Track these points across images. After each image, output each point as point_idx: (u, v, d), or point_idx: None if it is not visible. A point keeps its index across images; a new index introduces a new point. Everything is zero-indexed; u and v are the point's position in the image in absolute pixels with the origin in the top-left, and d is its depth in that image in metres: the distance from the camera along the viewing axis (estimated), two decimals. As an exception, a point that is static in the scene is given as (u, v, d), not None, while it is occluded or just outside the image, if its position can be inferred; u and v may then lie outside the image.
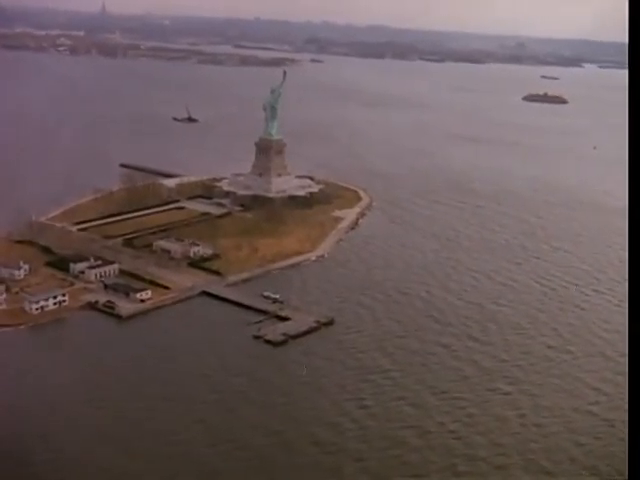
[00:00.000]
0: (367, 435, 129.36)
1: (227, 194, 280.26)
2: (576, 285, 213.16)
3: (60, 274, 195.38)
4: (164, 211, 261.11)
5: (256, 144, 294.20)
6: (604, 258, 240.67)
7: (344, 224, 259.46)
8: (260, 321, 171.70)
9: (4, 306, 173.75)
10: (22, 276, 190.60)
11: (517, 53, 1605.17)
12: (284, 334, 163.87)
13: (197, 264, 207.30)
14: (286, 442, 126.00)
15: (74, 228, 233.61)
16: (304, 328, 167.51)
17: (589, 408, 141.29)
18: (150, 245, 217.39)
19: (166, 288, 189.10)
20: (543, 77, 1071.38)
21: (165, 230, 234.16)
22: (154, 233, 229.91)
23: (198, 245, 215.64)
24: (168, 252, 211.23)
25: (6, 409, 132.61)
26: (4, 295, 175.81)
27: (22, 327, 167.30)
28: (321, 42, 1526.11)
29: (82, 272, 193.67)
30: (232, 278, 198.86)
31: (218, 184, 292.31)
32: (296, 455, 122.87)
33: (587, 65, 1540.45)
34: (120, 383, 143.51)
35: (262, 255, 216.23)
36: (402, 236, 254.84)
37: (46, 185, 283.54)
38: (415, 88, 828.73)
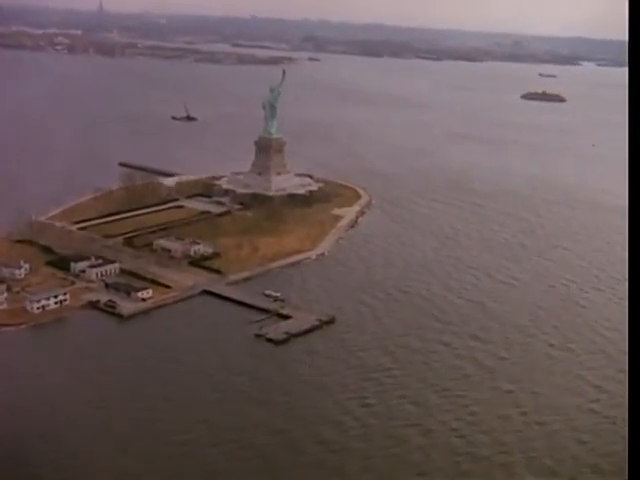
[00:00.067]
0: (370, 434, 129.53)
1: (226, 192, 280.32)
2: (576, 283, 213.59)
3: (61, 273, 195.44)
4: (164, 210, 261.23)
5: (256, 143, 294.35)
6: (603, 256, 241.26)
7: (344, 222, 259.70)
8: (262, 320, 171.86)
9: (5, 305, 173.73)
10: (23, 275, 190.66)
11: (514, 51, 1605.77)
12: (286, 332, 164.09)
13: (198, 263, 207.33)
14: (289, 441, 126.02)
15: (74, 227, 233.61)
16: (306, 326, 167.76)
17: (591, 406, 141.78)
18: (150, 244, 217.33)
19: (167, 287, 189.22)
20: (541, 75, 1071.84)
21: (165, 229, 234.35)
22: (154, 232, 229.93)
23: (199, 244, 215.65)
24: (168, 251, 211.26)
25: (9, 409, 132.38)
26: (5, 294, 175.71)
27: (23, 326, 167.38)
28: (318, 40, 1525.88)
29: (83, 271, 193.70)
30: (233, 277, 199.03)
31: (217, 183, 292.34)
32: (299, 454, 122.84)
33: (584, 63, 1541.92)
34: (122, 383, 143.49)
35: (262, 254, 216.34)
36: (402, 234, 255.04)
37: (45, 184, 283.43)
38: (414, 87, 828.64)
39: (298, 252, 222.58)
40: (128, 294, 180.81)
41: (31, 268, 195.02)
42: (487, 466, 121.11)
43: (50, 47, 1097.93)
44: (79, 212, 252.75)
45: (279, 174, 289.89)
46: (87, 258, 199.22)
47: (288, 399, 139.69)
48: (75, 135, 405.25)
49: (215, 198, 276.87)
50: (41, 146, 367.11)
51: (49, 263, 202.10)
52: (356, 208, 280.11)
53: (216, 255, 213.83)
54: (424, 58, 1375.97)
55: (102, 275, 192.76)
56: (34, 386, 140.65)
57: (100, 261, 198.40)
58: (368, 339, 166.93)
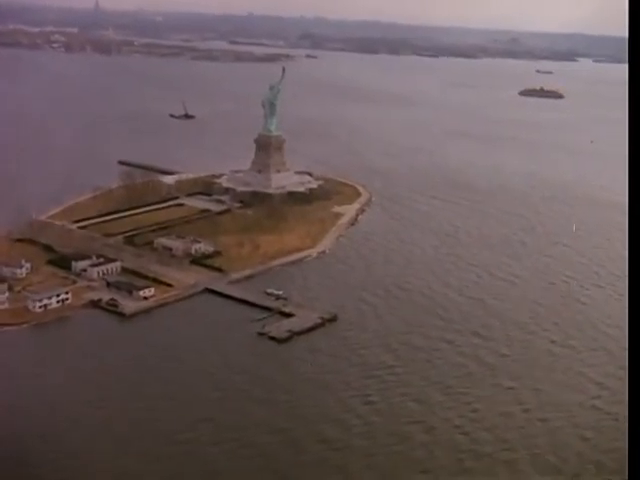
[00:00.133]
0: (373, 431, 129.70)
1: (226, 191, 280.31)
2: (576, 280, 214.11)
3: (62, 272, 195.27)
4: (164, 208, 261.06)
5: (255, 140, 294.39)
6: (603, 252, 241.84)
7: (344, 220, 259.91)
8: (264, 318, 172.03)
9: (7, 305, 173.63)
10: (24, 275, 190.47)
11: (511, 48, 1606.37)
12: (289, 331, 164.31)
13: (199, 261, 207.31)
14: (292, 439, 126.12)
15: (74, 226, 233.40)
16: (308, 324, 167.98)
17: (593, 402, 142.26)
18: (151, 243, 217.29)
19: (169, 285, 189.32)
20: (538, 71, 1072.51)
21: (165, 227, 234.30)
22: (154, 230, 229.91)
23: (200, 242, 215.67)
24: (169, 249, 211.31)
25: (12, 409, 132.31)
26: (7, 294, 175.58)
27: (25, 326, 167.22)
28: (315, 38, 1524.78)
29: (84, 270, 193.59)
30: (234, 275, 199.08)
31: (217, 181, 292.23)
32: (302, 452, 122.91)
33: (581, 59, 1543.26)
34: (124, 382, 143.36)
35: (263, 252, 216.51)
36: (402, 232, 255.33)
37: (44, 184, 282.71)
38: (411, 84, 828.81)
39: (299, 250, 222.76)
40: (130, 293, 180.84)
41: (32, 267, 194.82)
42: (490, 463, 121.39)
43: (47, 45, 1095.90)
44: (79, 211, 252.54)
45: (279, 172, 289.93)
46: (88, 257, 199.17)
47: (292, 397, 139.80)
48: (73, 134, 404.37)
49: (215, 196, 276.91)
50: (39, 145, 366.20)
51: (50, 262, 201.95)
52: (356, 206, 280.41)
53: (217, 253, 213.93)
54: (421, 55, 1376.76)
55: (103, 274, 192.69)
56: (36, 386, 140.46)
57: (101, 260, 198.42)
58: (370, 337, 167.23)
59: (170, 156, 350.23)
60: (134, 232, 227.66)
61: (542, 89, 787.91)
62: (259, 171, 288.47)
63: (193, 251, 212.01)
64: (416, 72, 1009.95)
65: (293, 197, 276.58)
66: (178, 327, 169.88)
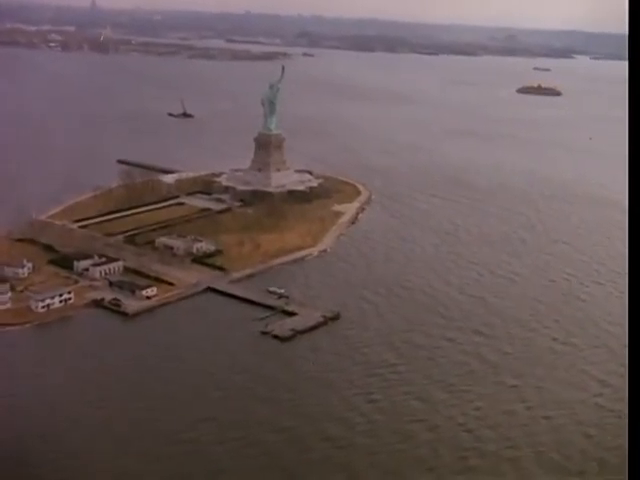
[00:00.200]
0: (376, 429, 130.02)
1: (226, 189, 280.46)
2: (577, 277, 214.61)
3: (64, 272, 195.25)
4: (164, 207, 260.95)
5: (255, 139, 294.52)
6: (603, 250, 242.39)
7: (344, 219, 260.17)
8: (267, 317, 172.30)
9: (9, 305, 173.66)
10: (26, 274, 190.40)
11: (508, 45, 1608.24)
12: (292, 329, 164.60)
13: (200, 260, 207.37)
14: (296, 438, 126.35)
15: (75, 226, 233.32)
16: (311, 323, 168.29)
17: (595, 400, 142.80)
18: (152, 242, 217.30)
19: (170, 285, 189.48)
20: (536, 69, 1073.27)
21: (166, 227, 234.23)
22: (155, 230, 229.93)
23: (201, 241, 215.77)
24: (171, 249, 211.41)
25: (17, 409, 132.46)
26: (9, 294, 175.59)
27: (28, 326, 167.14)
28: (312, 36, 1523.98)
29: (86, 270, 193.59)
30: (236, 274, 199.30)
31: (217, 179, 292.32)
32: (305, 451, 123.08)
33: (578, 57, 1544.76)
34: (129, 382, 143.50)
35: (265, 250, 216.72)
36: (402, 230, 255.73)
37: (44, 183, 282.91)
38: (409, 82, 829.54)
39: (300, 249, 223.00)
40: (132, 292, 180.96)
41: (34, 267, 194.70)
42: (495, 461, 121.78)
43: (44, 44, 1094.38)
44: (79, 210, 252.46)
45: (278, 170, 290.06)
46: (89, 256, 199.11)
47: (294, 396, 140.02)
48: (73, 134, 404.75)
49: (215, 195, 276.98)
50: (39, 145, 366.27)
51: (51, 262, 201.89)
52: (356, 204, 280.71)
53: (218, 252, 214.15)
54: (418, 53, 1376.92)
55: (106, 273, 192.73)
56: (40, 386, 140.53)
57: (103, 259, 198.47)
58: (372, 335, 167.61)
59: (169, 155, 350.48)
60: (135, 231, 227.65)
61: (540, 87, 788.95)
62: (259, 170, 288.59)
63: (194, 250, 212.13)
64: (414, 70, 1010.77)
65: (293, 196, 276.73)
66: (183, 326, 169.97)
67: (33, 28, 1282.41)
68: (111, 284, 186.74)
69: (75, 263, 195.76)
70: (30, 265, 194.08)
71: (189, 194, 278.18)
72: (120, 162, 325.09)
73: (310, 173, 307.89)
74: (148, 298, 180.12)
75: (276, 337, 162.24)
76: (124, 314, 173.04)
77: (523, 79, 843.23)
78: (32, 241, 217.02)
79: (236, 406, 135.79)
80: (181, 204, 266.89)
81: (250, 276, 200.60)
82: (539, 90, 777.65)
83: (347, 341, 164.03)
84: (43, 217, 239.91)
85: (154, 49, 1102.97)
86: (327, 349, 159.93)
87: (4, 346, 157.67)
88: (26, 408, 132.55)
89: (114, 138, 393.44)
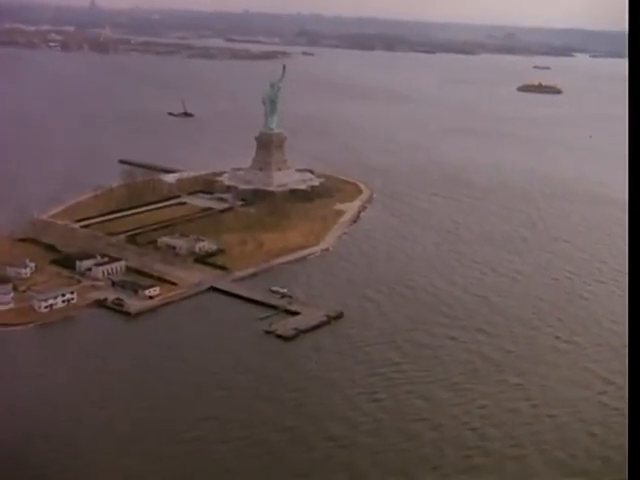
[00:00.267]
0: (380, 428, 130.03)
1: (228, 189, 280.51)
2: (579, 276, 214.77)
3: (66, 272, 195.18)
4: (166, 207, 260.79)
5: (256, 138, 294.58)
6: (604, 248, 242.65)
7: (346, 218, 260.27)
8: (269, 316, 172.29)
9: (12, 305, 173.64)
10: (28, 274, 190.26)
11: (507, 43, 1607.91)
12: (295, 329, 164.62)
13: (203, 260, 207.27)
14: (300, 437, 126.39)
15: (76, 225, 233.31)
16: (314, 322, 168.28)
17: (599, 398, 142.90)
18: (154, 241, 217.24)
19: (173, 284, 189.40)
20: (535, 67, 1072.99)
21: (168, 226, 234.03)
22: (157, 229, 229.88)
23: (203, 241, 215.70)
24: (173, 248, 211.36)
25: (22, 409, 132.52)
26: (12, 294, 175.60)
27: (31, 326, 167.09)
28: (311, 35, 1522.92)
29: (89, 269, 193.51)
30: (239, 273, 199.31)
31: (218, 179, 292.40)
32: (309, 450, 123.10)
33: (578, 55, 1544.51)
34: (131, 382, 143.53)
35: (267, 250, 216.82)
36: (403, 229, 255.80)
37: (45, 183, 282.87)
38: (409, 80, 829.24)
39: (302, 248, 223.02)
40: (135, 292, 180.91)
41: (36, 267, 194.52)
42: (499, 459, 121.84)
43: (43, 44, 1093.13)
44: (81, 210, 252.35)
45: (280, 169, 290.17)
46: (92, 256, 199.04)
47: (297, 395, 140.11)
48: (73, 133, 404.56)
49: (217, 194, 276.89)
50: (39, 145, 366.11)
51: (54, 262, 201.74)
52: (357, 203, 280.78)
53: (221, 252, 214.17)
54: (418, 51, 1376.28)
55: (108, 273, 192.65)
56: (42, 386, 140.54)
57: (106, 259, 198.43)
58: (375, 334, 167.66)
59: (170, 154, 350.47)
60: (137, 231, 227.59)
61: (540, 85, 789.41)
62: (260, 169, 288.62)
63: (197, 250, 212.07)
64: (413, 68, 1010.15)
65: (295, 195, 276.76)
66: (186, 326, 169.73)
67: (32, 28, 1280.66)
68: (113, 284, 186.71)
69: (77, 263, 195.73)
70: (32, 265, 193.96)
71: (190, 193, 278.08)
72: (121, 162, 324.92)
73: (311, 172, 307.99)
74: (151, 298, 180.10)
75: (279, 336, 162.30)
76: (127, 314, 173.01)
77: (523, 77, 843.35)
78: (34, 241, 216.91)
79: (239, 405, 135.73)
80: (183, 203, 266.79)
81: (253, 275, 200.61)
82: (540, 88, 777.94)
83: (350, 340, 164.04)
84: (45, 217, 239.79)
85: (153, 49, 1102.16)
86: (330, 348, 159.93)
87: (7, 346, 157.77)
88: (29, 408, 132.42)
89: (114, 138, 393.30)
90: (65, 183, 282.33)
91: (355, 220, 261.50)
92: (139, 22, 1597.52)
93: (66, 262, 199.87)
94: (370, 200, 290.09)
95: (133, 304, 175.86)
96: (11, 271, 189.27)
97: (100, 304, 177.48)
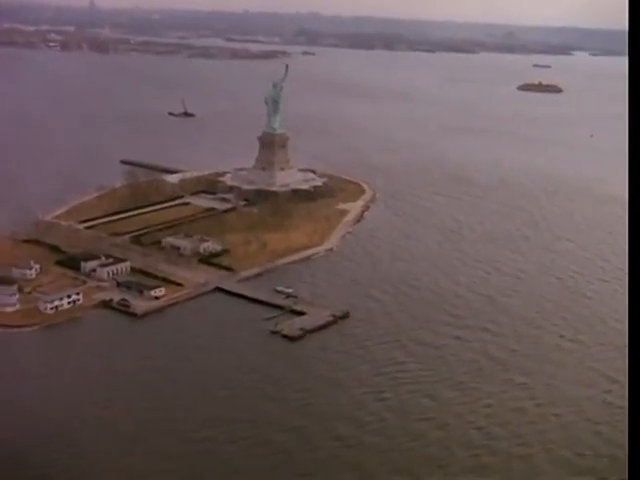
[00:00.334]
0: (386, 428, 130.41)
1: (231, 189, 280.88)
2: (582, 274, 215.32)
3: (71, 273, 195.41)
4: (169, 207, 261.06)
5: (259, 138, 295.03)
6: (607, 247, 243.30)
7: (349, 217, 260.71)
8: (275, 316, 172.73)
9: (18, 306, 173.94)
10: (34, 276, 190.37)
11: (506, 42, 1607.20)
12: (301, 329, 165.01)
13: (207, 260, 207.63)
14: (306, 437, 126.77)
15: (80, 226, 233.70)
16: (320, 322, 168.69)
17: (604, 397, 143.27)
18: (158, 242, 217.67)
19: (179, 285, 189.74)
20: (535, 66, 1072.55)
21: (172, 226, 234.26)
22: (161, 230, 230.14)
23: (207, 241, 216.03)
24: (177, 249, 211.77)
25: (26, 410, 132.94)
26: (17, 295, 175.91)
27: (37, 327, 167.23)
28: (310, 34, 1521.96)
29: (94, 270, 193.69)
30: (244, 273, 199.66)
31: (221, 179, 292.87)
32: (316, 450, 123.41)
33: (577, 53, 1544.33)
34: (137, 382, 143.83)
35: (271, 250, 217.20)
36: (406, 228, 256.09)
37: (48, 184, 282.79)
38: (409, 79, 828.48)
39: (306, 247, 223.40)
40: (141, 293, 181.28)
41: (41, 268, 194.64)
42: (505, 459, 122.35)
43: (43, 44, 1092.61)
44: (84, 211, 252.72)
45: (282, 169, 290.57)
46: (96, 257, 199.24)
47: (304, 395, 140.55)
48: (73, 134, 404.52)
49: (220, 195, 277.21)
50: (39, 145, 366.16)
51: (58, 262, 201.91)
52: (360, 203, 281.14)
53: (225, 252, 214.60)
54: (418, 50, 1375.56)
55: (113, 274, 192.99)
56: (48, 387, 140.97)
57: (110, 260, 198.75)
58: (381, 334, 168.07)
59: (172, 155, 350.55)
60: (141, 231, 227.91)
61: (541, 84, 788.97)
62: (263, 169, 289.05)
63: (201, 250, 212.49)
64: (413, 68, 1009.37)
65: (298, 195, 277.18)
66: (192, 326, 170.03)
67: (32, 28, 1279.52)
68: (119, 285, 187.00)
69: (82, 264, 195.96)
70: (37, 266, 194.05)
71: (193, 194, 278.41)
72: (123, 162, 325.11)
73: (313, 172, 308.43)
74: (156, 298, 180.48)
75: (285, 336, 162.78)
76: (132, 315, 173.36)
77: (523, 76, 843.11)
78: (38, 242, 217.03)
79: (245, 406, 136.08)
80: (186, 204, 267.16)
81: (258, 275, 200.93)
82: (540, 87, 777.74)
83: (356, 340, 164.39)
84: (48, 218, 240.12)
85: (153, 48, 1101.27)
86: (336, 348, 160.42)
87: (13, 347, 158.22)
88: (34, 409, 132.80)
89: (115, 138, 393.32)
90: (66, 183, 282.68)
91: (358, 220, 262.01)
92: (139, 22, 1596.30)
93: (71, 263, 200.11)
94: (373, 199, 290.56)
95: (139, 305, 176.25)
96: (16, 272, 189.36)
97: (106, 305, 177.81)
